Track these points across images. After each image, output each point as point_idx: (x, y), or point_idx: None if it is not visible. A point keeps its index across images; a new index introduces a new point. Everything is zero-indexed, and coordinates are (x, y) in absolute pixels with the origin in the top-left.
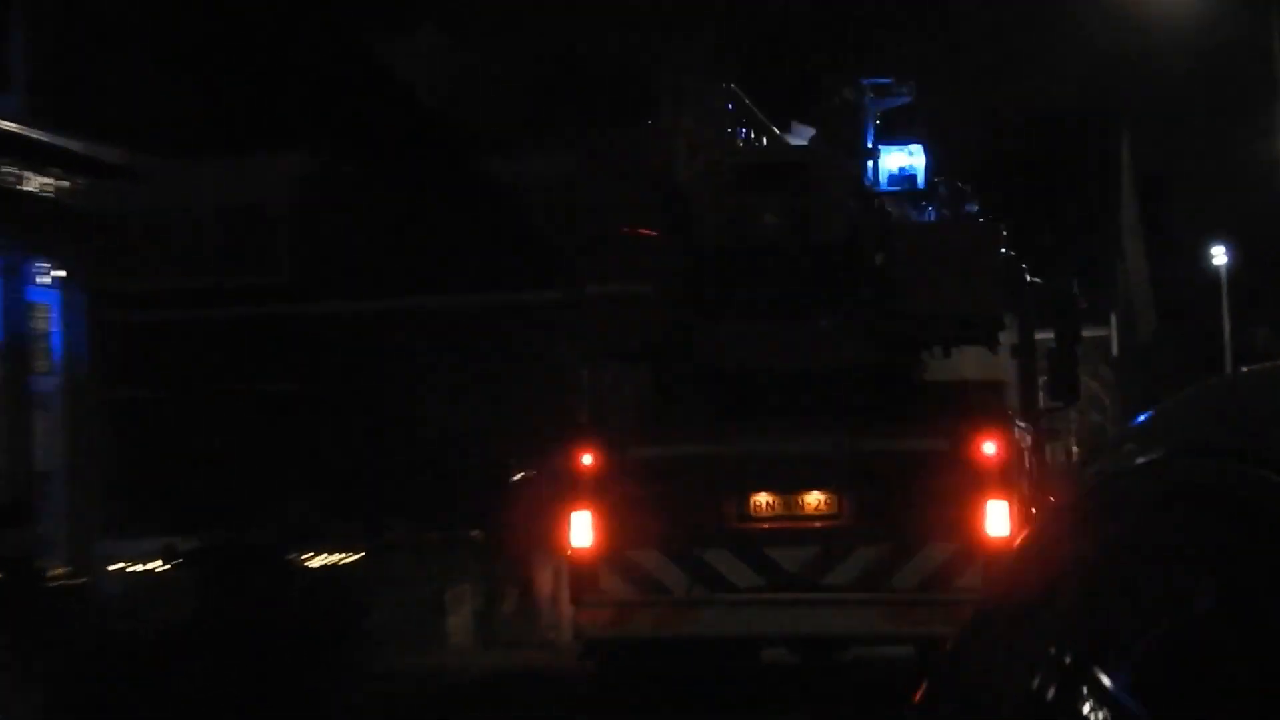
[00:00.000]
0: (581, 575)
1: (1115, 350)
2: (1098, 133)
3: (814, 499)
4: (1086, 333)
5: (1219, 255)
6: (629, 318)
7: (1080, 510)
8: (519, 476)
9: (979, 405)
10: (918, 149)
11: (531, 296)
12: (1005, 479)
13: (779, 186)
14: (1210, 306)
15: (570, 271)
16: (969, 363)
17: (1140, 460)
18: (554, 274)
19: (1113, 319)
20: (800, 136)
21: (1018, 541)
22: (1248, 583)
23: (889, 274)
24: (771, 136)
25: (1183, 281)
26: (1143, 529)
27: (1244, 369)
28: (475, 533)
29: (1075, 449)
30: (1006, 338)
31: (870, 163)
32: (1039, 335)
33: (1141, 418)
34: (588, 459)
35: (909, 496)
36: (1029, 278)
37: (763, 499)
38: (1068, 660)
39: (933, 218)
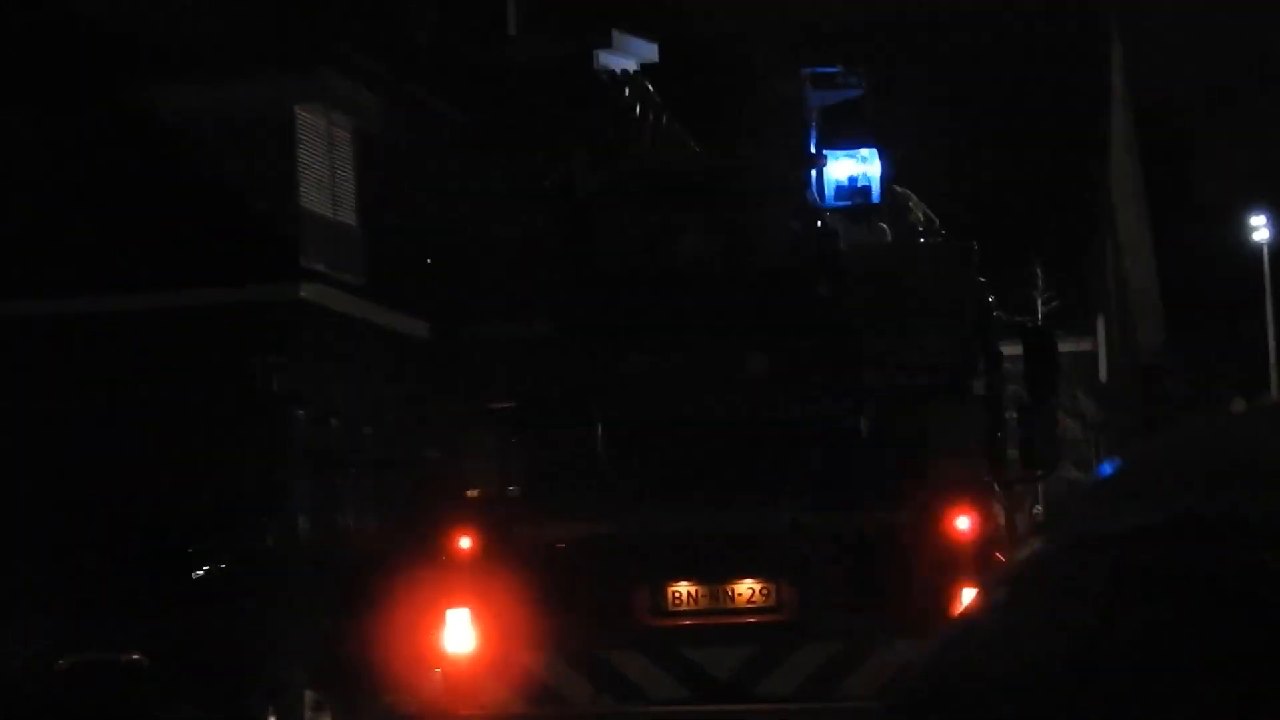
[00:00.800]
0: (459, 686)
1: (1103, 373)
2: (1080, 56)
3: (746, 588)
4: (1062, 347)
5: (1259, 228)
6: (516, 364)
7: (1026, 588)
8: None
9: (949, 471)
10: (871, 154)
11: (221, 294)
12: (982, 560)
13: (703, 201)
14: (1247, 302)
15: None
16: (934, 418)
17: (1108, 529)
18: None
19: (1100, 327)
20: (629, 53)
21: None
22: (1261, 689)
23: (838, 308)
24: (689, 138)
25: (1205, 267)
26: (1112, 619)
27: (1249, 404)
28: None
29: (1039, 512)
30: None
31: (814, 172)
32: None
33: (1109, 469)
34: (465, 542)
35: (864, 584)
36: (996, 313)
37: (683, 589)
38: None
39: (889, 238)
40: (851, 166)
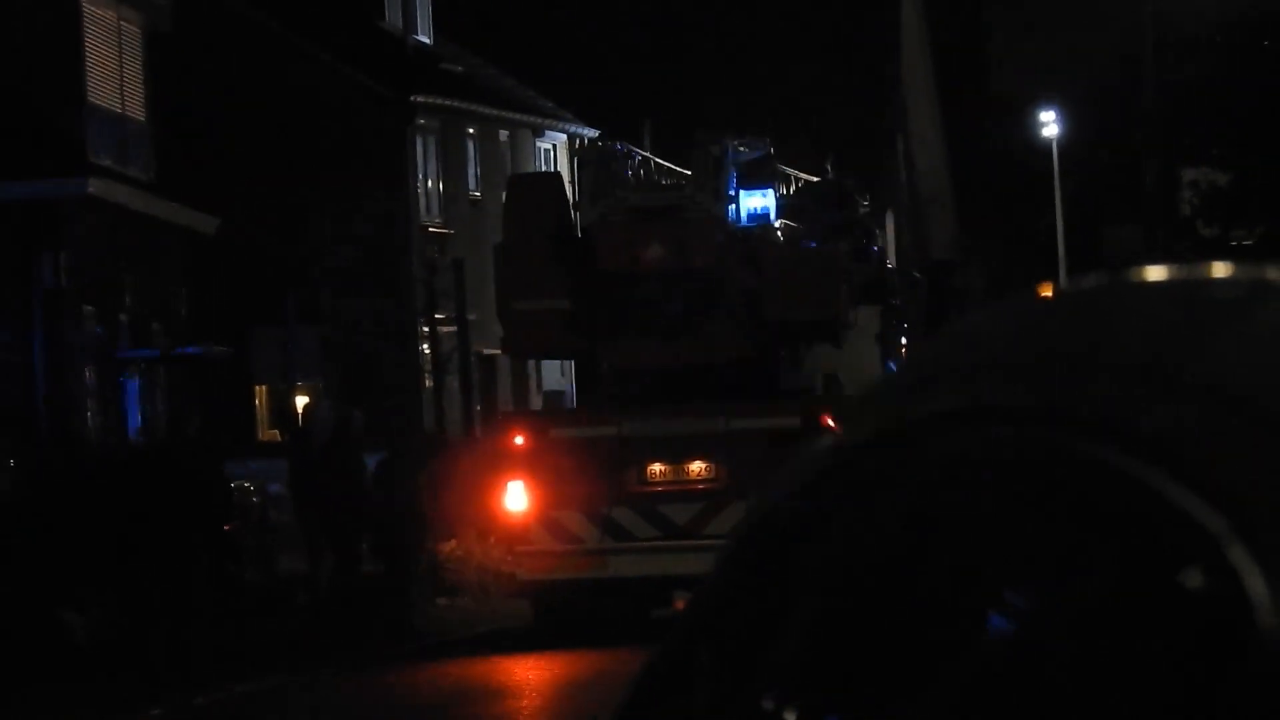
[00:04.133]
0: (516, 532)
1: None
2: None
3: (697, 466)
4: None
5: (1049, 124)
6: (550, 328)
7: (821, 488)
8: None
9: (828, 390)
10: (769, 192)
11: (4, 189)
12: None
13: (659, 223)
14: (1038, 197)
15: None
16: (852, 353)
17: (913, 415)
18: None
19: (889, 222)
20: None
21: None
22: (1078, 587)
23: (751, 289)
24: (658, 172)
25: (1002, 163)
26: (921, 508)
27: (1053, 292)
28: None
29: None
30: (872, 327)
31: (733, 205)
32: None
33: (897, 368)
34: (520, 439)
35: (771, 462)
36: (889, 265)
37: (657, 467)
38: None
39: (781, 239)
40: (757, 200)
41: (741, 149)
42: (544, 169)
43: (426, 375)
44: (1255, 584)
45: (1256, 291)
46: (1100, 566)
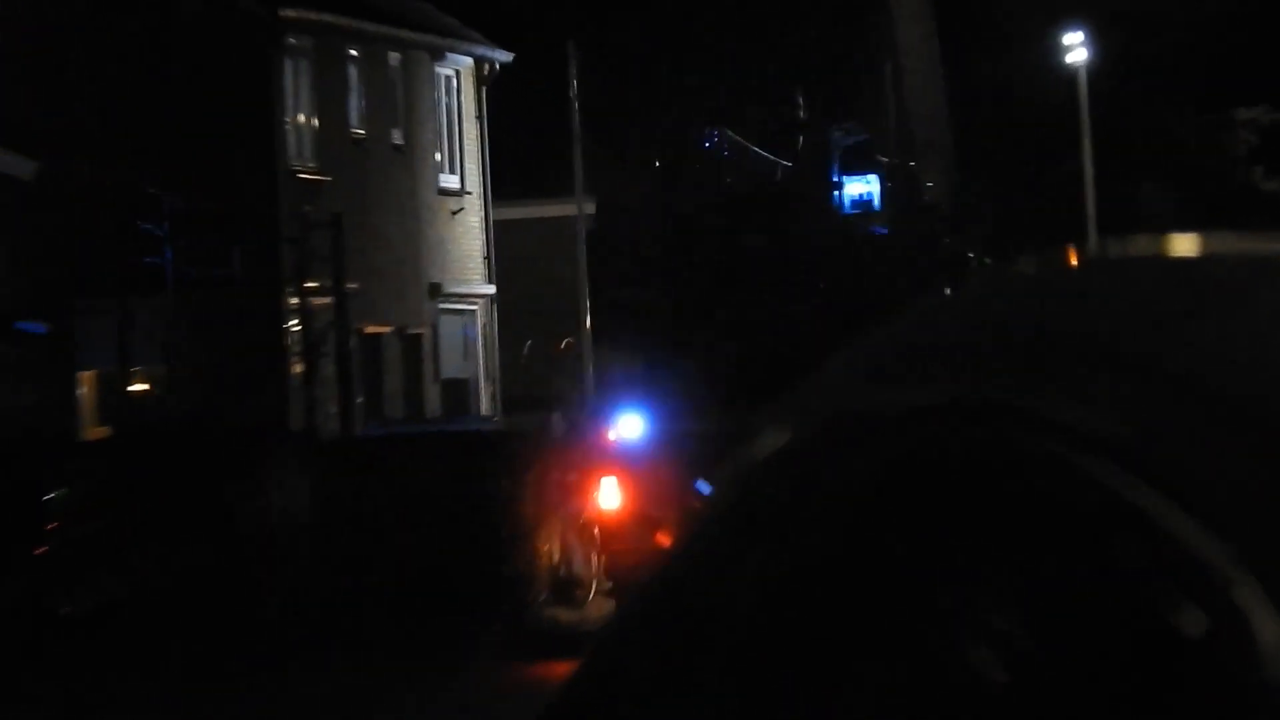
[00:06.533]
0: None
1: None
2: None
3: None
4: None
5: (1075, 47)
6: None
7: (758, 488)
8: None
9: None
10: (873, 179)
11: None
12: None
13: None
14: (1058, 137)
15: None
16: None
17: (874, 409)
18: None
19: (877, 182)
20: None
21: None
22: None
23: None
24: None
25: (1006, 96)
26: (876, 519)
27: (1016, 270)
28: None
29: None
30: None
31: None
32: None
33: (842, 356)
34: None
35: None
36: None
37: None
38: None
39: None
40: (861, 186)
41: (843, 134)
42: (444, 100)
43: (295, 360)
44: (1266, 628)
45: (1263, 271)
46: (1068, 586)
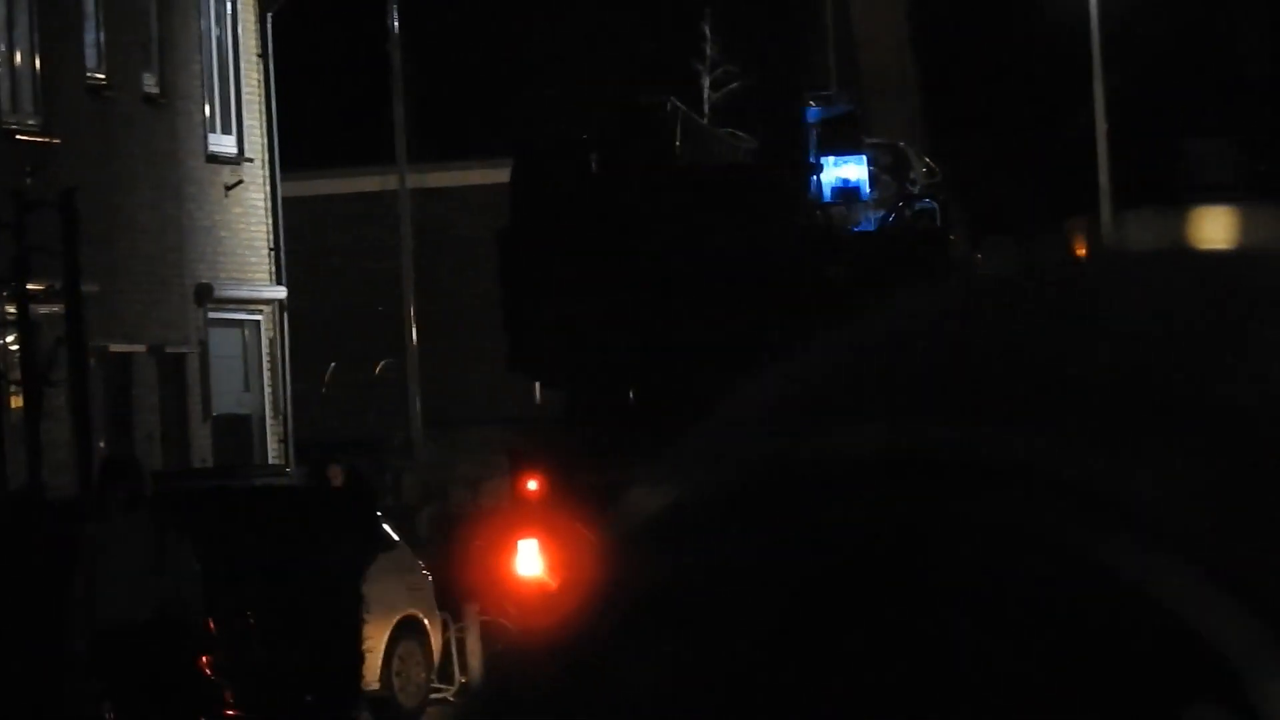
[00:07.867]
0: (527, 603)
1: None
2: None
3: None
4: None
5: None
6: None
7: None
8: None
9: None
10: (862, 161)
11: None
12: None
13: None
14: (1058, 87)
15: None
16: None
17: (772, 470)
18: None
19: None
20: None
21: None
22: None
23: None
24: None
25: (1003, 34)
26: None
27: (993, 274)
28: None
29: None
30: None
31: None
32: None
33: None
34: (532, 484)
35: None
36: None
37: None
38: None
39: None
40: (849, 170)
41: (822, 105)
42: (214, 33)
43: (12, 391)
44: None
45: None
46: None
